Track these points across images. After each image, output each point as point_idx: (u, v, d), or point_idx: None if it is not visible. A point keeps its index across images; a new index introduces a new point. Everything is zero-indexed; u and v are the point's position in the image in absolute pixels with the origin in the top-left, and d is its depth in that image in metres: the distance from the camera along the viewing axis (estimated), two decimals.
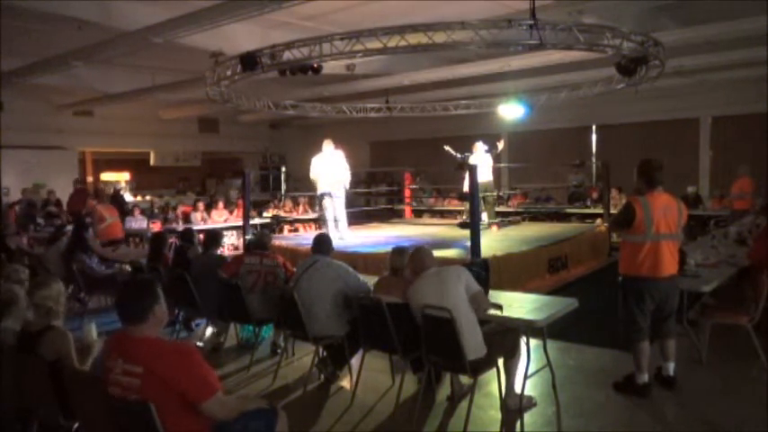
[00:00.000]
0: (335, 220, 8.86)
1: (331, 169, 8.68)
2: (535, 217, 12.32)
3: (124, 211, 11.01)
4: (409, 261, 3.88)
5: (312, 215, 12.50)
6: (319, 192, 8.88)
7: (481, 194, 9.54)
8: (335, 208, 8.85)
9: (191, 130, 17.31)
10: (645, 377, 4.03)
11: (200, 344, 5.30)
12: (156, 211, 13.37)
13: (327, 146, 8.74)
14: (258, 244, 5.36)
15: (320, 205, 9.33)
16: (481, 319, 3.60)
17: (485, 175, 9.48)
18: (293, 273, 4.79)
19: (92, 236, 7.48)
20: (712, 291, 4.63)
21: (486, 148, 9.89)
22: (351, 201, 10.46)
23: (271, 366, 4.87)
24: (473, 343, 3.47)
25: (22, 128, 12.78)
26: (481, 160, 9.50)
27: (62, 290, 3.39)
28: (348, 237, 8.93)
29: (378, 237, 9.22)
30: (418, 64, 10.37)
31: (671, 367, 4.16)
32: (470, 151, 9.87)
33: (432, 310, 3.48)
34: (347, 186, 9.01)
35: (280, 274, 5.04)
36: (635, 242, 3.94)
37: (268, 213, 12.21)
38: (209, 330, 5.46)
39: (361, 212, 12.40)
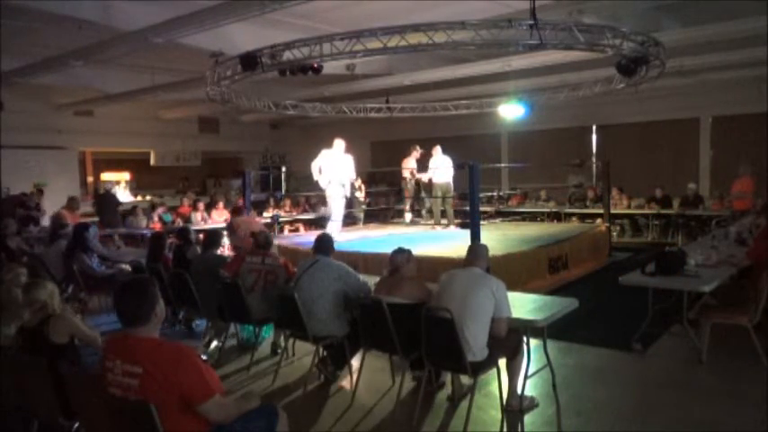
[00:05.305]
0: (330, 219, 8.85)
1: (335, 167, 8.51)
2: (535, 217, 12.35)
3: (116, 210, 11.04)
4: (468, 252, 3.89)
5: (312, 215, 12.50)
6: (316, 179, 8.69)
7: (441, 195, 9.90)
8: (330, 206, 8.81)
9: (191, 130, 17.29)
10: None
11: (204, 357, 5.18)
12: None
13: (338, 143, 8.61)
14: (262, 243, 5.37)
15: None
16: None
17: (445, 176, 9.74)
18: (294, 273, 4.80)
19: (93, 236, 7.45)
20: (712, 291, 4.64)
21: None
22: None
23: (271, 366, 4.88)
24: (476, 348, 3.47)
25: (22, 128, 12.74)
26: (440, 163, 9.81)
27: (55, 289, 3.47)
28: (338, 237, 8.41)
29: (377, 237, 9.21)
30: (418, 64, 10.36)
31: None
32: (430, 155, 10.09)
33: (435, 311, 3.48)
34: (346, 188, 8.78)
35: (281, 274, 5.06)
36: None
37: (268, 213, 12.19)
38: (214, 344, 5.44)
39: (360, 212, 12.38)
